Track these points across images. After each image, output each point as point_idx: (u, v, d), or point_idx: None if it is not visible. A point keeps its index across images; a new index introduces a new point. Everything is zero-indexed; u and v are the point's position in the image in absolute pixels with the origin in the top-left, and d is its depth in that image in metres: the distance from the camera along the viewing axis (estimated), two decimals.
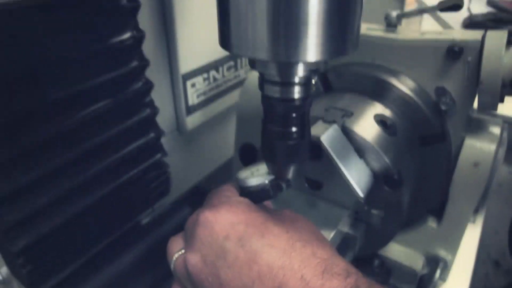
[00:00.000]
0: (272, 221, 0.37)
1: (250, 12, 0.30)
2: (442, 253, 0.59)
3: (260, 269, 0.34)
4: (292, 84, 0.35)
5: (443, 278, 0.60)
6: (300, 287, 0.33)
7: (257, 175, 0.42)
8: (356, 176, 0.46)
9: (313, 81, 0.36)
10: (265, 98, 0.36)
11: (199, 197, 0.92)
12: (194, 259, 0.38)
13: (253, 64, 0.35)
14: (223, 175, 0.97)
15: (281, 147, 0.37)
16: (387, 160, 0.47)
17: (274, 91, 0.35)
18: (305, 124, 0.37)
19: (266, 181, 0.41)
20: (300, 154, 0.38)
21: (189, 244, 0.39)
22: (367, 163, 0.48)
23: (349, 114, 0.50)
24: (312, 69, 0.34)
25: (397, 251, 0.61)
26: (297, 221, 0.39)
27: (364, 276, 0.34)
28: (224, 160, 0.98)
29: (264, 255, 0.34)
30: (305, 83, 0.35)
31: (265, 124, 0.38)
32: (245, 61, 0.94)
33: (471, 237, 0.68)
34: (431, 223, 0.60)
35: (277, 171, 0.40)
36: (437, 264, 0.58)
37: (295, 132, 0.37)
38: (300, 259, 0.34)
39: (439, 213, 0.60)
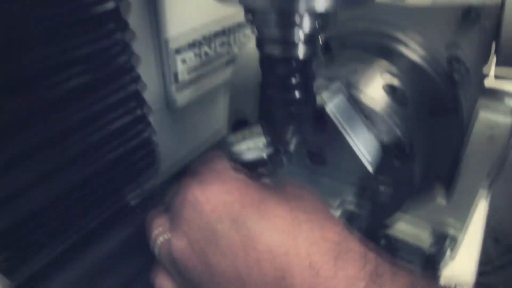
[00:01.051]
0: (273, 199, 0.32)
1: None
2: (451, 230, 0.56)
3: (259, 256, 0.29)
4: (296, 40, 0.30)
5: (452, 256, 0.56)
6: (308, 277, 0.28)
7: (253, 148, 0.37)
8: (365, 148, 0.42)
9: (321, 39, 0.31)
10: (264, 58, 0.32)
11: None
12: (180, 245, 0.33)
13: (250, 18, 0.30)
14: None
15: (282, 115, 0.33)
16: (398, 131, 0.43)
17: (275, 49, 0.30)
18: (310, 89, 0.33)
19: (264, 155, 0.37)
20: (303, 123, 0.34)
21: (175, 226, 0.34)
22: (376, 135, 0.44)
23: (355, 82, 0.46)
24: (320, 22, 0.29)
25: (404, 229, 0.58)
26: (302, 198, 0.34)
27: (386, 260, 0.29)
28: (217, 138, 0.94)
29: (264, 239, 0.30)
30: (311, 39, 0.30)
31: (263, 89, 0.33)
32: (238, 36, 0.90)
33: (478, 213, 0.64)
34: (440, 199, 0.56)
35: (276, 142, 0.36)
36: (446, 242, 0.55)
37: (299, 97, 0.32)
38: (308, 244, 0.29)
39: (448, 189, 0.56)
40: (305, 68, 0.31)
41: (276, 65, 0.31)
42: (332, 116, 0.40)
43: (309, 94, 0.32)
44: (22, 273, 0.53)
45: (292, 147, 0.35)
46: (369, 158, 0.42)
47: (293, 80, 0.31)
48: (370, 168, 0.41)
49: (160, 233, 0.36)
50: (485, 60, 0.50)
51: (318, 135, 0.43)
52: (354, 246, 0.30)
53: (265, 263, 0.29)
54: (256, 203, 0.32)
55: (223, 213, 0.31)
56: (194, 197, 0.33)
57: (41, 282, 0.55)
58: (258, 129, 0.37)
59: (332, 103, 0.41)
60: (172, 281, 0.38)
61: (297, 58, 0.30)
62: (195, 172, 0.37)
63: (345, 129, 0.41)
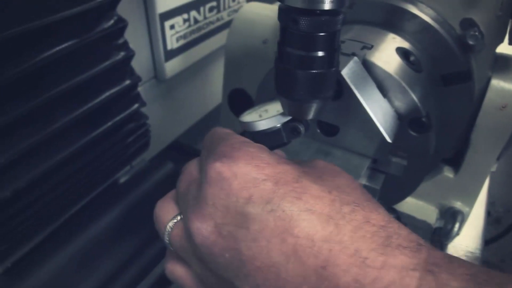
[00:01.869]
0: (308, 176, 0.28)
1: None
2: (458, 205, 0.54)
3: (297, 243, 0.25)
4: None
5: (458, 231, 0.55)
6: (353, 266, 0.24)
7: (266, 117, 0.34)
8: (382, 117, 0.38)
9: None
10: (285, 12, 0.28)
11: (181, 152, 0.86)
12: (205, 229, 0.28)
13: None
14: (207, 127, 0.89)
15: (302, 77, 0.29)
16: (415, 99, 0.40)
17: (298, 0, 0.26)
18: (335, 48, 0.29)
19: (279, 124, 0.33)
20: (325, 88, 0.30)
21: (195, 209, 0.29)
22: (391, 103, 0.41)
23: (369, 46, 0.42)
24: None
25: (410, 205, 0.56)
26: (338, 176, 0.30)
27: (434, 247, 0.25)
28: (208, 110, 0.89)
29: (303, 223, 0.26)
30: None
31: (282, 48, 0.30)
32: (228, 2, 0.86)
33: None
34: (448, 173, 0.54)
35: (294, 110, 0.32)
36: (454, 217, 0.53)
37: (322, 58, 0.29)
38: (351, 228, 0.25)
39: (455, 162, 0.54)
40: (331, 22, 0.27)
41: (299, 19, 0.27)
42: (348, 80, 0.37)
43: (334, 53, 0.29)
44: (10, 256, 0.49)
45: (311, 115, 0.31)
46: (386, 127, 0.39)
47: (317, 37, 0.27)
48: (387, 137, 0.38)
49: (170, 218, 0.32)
50: (502, 25, 0.47)
51: (329, 104, 0.40)
52: (401, 230, 0.26)
53: (303, 251, 0.25)
54: (291, 181, 0.28)
55: (254, 193, 0.27)
56: (218, 173, 0.28)
57: (30, 265, 0.51)
58: (272, 104, 0.34)
59: (346, 68, 0.38)
60: (186, 268, 0.33)
61: (323, 10, 0.26)
62: (210, 145, 0.32)
63: (361, 96, 0.38)
